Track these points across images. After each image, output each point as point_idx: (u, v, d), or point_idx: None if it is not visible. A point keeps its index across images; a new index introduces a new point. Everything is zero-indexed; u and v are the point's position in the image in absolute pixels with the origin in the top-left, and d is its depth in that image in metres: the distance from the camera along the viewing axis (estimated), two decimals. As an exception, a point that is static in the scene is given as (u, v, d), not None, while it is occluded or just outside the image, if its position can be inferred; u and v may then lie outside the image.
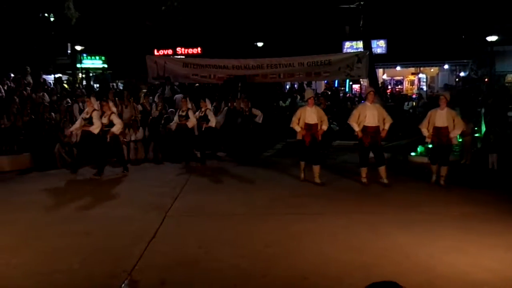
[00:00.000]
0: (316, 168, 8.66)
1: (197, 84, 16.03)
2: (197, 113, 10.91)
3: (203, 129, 10.72)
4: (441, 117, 8.33)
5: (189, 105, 11.01)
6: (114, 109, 9.89)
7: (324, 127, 8.70)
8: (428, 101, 19.31)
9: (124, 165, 9.96)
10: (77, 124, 9.73)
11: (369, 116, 8.41)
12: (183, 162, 10.80)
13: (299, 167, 9.01)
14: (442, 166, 8.40)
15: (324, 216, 6.72)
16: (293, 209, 7.17)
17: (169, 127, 11.03)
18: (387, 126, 8.50)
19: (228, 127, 12.01)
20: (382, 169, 8.49)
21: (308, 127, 8.58)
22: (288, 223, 6.41)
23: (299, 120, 8.66)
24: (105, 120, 9.54)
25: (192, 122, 10.66)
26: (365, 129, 8.45)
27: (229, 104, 12.40)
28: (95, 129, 9.40)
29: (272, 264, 5.02)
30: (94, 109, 9.51)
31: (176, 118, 10.92)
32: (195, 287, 4.59)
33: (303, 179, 8.85)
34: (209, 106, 11.27)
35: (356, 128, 8.53)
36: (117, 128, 9.56)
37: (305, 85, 17.70)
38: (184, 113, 10.75)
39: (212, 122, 10.78)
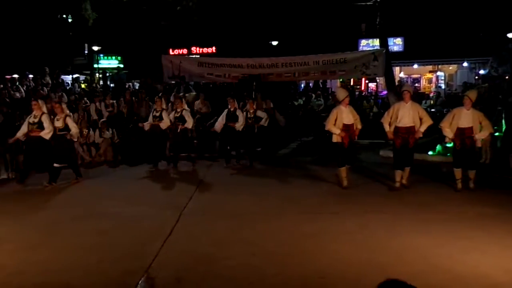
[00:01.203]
0: (406, 170, 8.21)
1: (211, 85, 16.05)
2: (172, 113, 10.46)
3: (178, 130, 10.22)
4: (466, 117, 7.84)
5: (164, 105, 10.64)
6: (67, 111, 9.23)
7: (359, 126, 8.33)
8: (446, 99, 19.00)
9: (77, 171, 9.20)
10: (23, 129, 8.72)
11: (403, 116, 8.00)
12: (152, 164, 10.39)
13: (339, 173, 8.35)
14: (470, 170, 7.97)
15: (339, 216, 6.65)
16: (308, 208, 7.12)
17: (141, 127, 10.58)
18: (423, 128, 8.02)
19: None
20: (406, 170, 8.19)
21: (346, 127, 8.15)
22: (302, 222, 6.37)
23: (335, 121, 8.18)
24: (59, 124, 8.80)
25: (165, 123, 10.22)
26: (397, 130, 8.07)
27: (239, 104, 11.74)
28: (47, 134, 8.59)
29: (287, 263, 4.98)
30: (43, 113, 8.71)
31: (150, 119, 10.46)
32: (211, 285, 4.58)
33: (346, 186, 8.23)
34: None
35: (387, 129, 8.19)
36: (74, 132, 8.97)
37: (320, 84, 17.58)
38: (158, 114, 10.29)
39: (189, 123, 10.35)
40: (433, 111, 16.46)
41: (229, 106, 10.58)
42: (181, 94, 12.94)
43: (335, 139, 8.19)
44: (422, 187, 8.28)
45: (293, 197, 7.74)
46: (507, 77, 20.13)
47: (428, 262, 4.89)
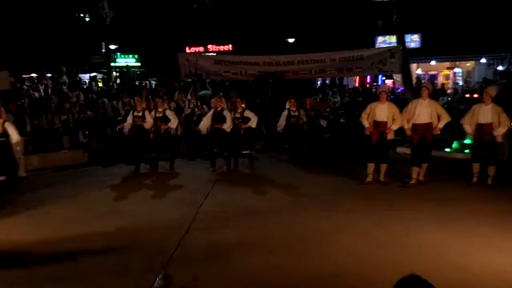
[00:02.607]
0: (383, 167, 8.33)
1: (227, 82, 16.14)
2: (152, 113, 10.04)
3: (162, 131, 9.87)
4: (486, 113, 7.88)
5: (144, 105, 10.32)
6: (5, 115, 8.62)
7: (395, 126, 8.18)
8: (464, 96, 18.76)
9: (15, 179, 8.75)
10: None
11: (420, 113, 8.02)
12: (134, 166, 9.98)
13: (367, 168, 8.37)
14: (490, 165, 7.97)
15: (356, 213, 6.68)
16: (325, 205, 7.16)
17: (121, 128, 10.27)
18: (441, 124, 8.03)
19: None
20: (423, 166, 8.19)
21: (376, 124, 8.18)
22: (320, 219, 6.42)
23: (368, 115, 8.29)
24: None
25: (149, 123, 9.87)
26: (414, 127, 8.10)
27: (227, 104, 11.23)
28: None
29: (304, 260, 5.03)
30: None
31: (129, 119, 9.99)
32: (227, 283, 4.64)
33: (368, 182, 8.30)
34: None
35: (405, 126, 8.19)
36: (15, 138, 8.39)
37: (337, 81, 17.54)
38: (140, 113, 9.88)
39: (173, 123, 10.05)
40: (450, 108, 16.30)
41: (216, 106, 10.03)
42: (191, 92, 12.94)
43: (366, 132, 8.37)
44: (439, 183, 8.25)
45: (311, 194, 7.79)
46: None
47: (445, 259, 4.91)
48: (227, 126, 9.70)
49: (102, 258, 5.24)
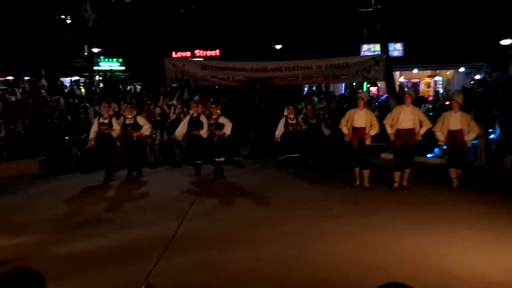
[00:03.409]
0: (366, 172, 8.53)
1: (217, 86, 16.11)
2: (120, 119, 9.67)
3: (134, 138, 9.52)
4: (455, 120, 8.33)
5: (111, 112, 9.87)
6: None
7: (373, 132, 8.44)
8: (444, 103, 19.24)
9: None
10: None
11: (404, 119, 8.33)
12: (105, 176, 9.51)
13: (354, 173, 8.64)
14: (458, 169, 8.43)
15: (343, 218, 6.80)
16: (312, 211, 7.23)
17: (86, 137, 9.94)
18: (423, 130, 8.37)
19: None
20: (406, 172, 8.46)
21: (355, 130, 8.46)
22: (306, 225, 6.50)
23: (347, 122, 8.57)
24: None
25: (116, 131, 9.43)
26: (398, 132, 8.40)
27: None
28: None
29: (291, 267, 5.06)
30: None
31: (95, 126, 9.49)
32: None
33: (357, 186, 8.56)
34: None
35: (389, 131, 8.48)
36: None
37: (323, 88, 17.72)
38: (107, 121, 9.38)
39: (146, 130, 9.68)
40: (431, 115, 16.64)
41: (192, 112, 9.70)
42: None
43: (346, 138, 8.64)
44: (421, 188, 8.51)
45: (297, 200, 7.88)
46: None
47: (427, 262, 5.07)
48: (204, 132, 9.43)
49: (83, 266, 5.07)
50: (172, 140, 10.53)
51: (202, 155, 9.59)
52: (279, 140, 10.20)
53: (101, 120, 9.44)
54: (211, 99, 10.98)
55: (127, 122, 9.57)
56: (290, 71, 14.72)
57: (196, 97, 13.72)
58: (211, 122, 9.58)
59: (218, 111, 9.87)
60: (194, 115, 9.61)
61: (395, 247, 5.53)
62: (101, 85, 21.77)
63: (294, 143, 9.95)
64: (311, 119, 10.47)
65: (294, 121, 10.09)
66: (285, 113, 10.24)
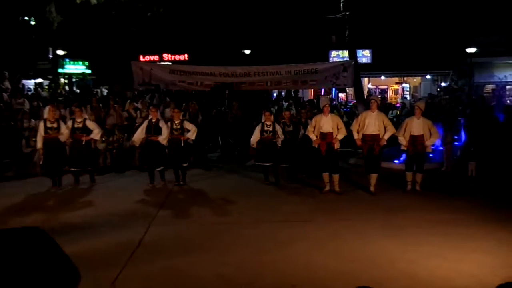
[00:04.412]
0: (336, 177, 8.57)
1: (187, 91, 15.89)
2: (69, 123, 9.32)
3: (83, 142, 9.21)
4: (417, 125, 8.58)
5: (57, 115, 9.52)
6: None
7: (340, 135, 8.52)
8: (411, 110, 19.61)
9: None
10: None
11: (369, 124, 8.48)
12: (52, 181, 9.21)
13: (322, 178, 8.65)
14: (418, 173, 8.65)
15: (312, 223, 6.78)
16: (281, 216, 7.20)
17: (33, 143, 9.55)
18: (386, 136, 8.53)
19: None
20: (373, 177, 8.55)
21: (323, 136, 8.52)
22: (275, 230, 6.44)
23: (314, 128, 8.61)
24: None
25: (65, 135, 9.11)
26: (364, 137, 8.53)
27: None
28: None
29: (259, 272, 5.01)
30: None
31: (42, 131, 9.06)
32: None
33: (327, 191, 8.59)
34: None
35: (356, 136, 8.62)
36: None
37: (292, 93, 17.78)
38: (54, 125, 9.04)
39: (95, 134, 9.42)
40: (398, 121, 16.92)
41: (150, 117, 9.38)
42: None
43: (314, 144, 8.63)
44: (389, 194, 8.59)
45: (267, 205, 7.82)
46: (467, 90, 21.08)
47: (395, 268, 5.08)
48: (163, 138, 9.14)
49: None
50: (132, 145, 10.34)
51: (160, 161, 9.27)
52: (254, 146, 9.72)
53: (48, 124, 9.03)
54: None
55: (76, 126, 9.24)
56: (259, 76, 14.69)
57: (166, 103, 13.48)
58: (174, 127, 9.36)
59: (181, 116, 9.74)
60: (153, 120, 9.28)
61: (363, 253, 5.54)
62: (67, 88, 21.21)
63: (267, 151, 9.47)
64: (288, 126, 10.02)
65: (271, 128, 9.49)
66: (262, 120, 9.69)
